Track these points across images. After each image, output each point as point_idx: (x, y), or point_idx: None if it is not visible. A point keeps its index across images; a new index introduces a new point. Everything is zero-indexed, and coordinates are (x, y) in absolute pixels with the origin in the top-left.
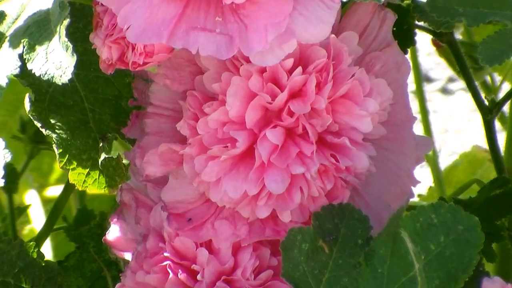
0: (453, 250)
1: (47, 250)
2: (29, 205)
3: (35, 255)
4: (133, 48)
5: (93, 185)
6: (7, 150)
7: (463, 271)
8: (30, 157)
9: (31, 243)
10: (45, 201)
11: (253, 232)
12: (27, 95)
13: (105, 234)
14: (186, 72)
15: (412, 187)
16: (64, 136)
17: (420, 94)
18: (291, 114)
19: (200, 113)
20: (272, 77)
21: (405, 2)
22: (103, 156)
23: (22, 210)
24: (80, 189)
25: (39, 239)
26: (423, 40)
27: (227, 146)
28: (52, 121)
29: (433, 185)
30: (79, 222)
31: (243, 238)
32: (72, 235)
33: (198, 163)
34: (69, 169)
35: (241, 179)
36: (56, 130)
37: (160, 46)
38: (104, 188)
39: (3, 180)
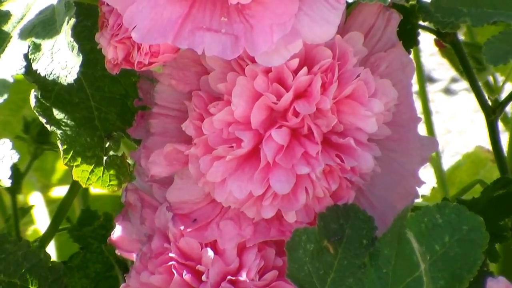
0: (457, 250)
1: (51, 251)
2: (33, 205)
3: (42, 256)
4: (139, 48)
5: (96, 182)
6: (14, 151)
7: (467, 271)
8: (34, 158)
9: (37, 244)
10: (49, 202)
11: (258, 233)
12: (32, 91)
13: (110, 235)
14: (191, 72)
15: (417, 188)
16: (69, 132)
17: (423, 94)
18: (296, 114)
19: (206, 113)
20: (278, 77)
21: (409, 2)
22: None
23: (25, 210)
24: (83, 186)
25: (44, 240)
26: (426, 40)
27: (233, 146)
28: (58, 118)
29: (436, 185)
30: (82, 223)
31: (248, 238)
32: (75, 236)
33: (204, 164)
34: (73, 165)
35: (247, 179)
36: (62, 127)
37: (166, 46)
38: (107, 186)
39: (10, 181)
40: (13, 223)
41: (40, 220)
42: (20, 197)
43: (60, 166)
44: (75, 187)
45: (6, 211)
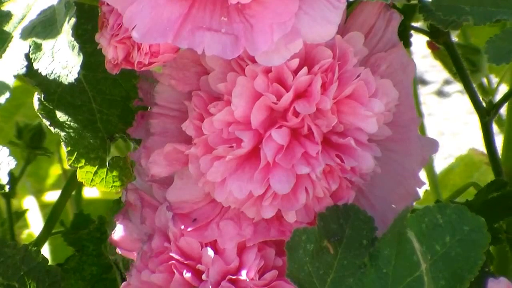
0: (458, 251)
1: (45, 254)
2: (27, 209)
3: (39, 260)
4: (139, 48)
5: (100, 184)
6: (11, 157)
7: (468, 271)
8: (27, 163)
9: (35, 248)
10: (43, 206)
11: (258, 232)
12: (35, 94)
13: (109, 235)
14: (191, 72)
15: (417, 188)
16: (72, 134)
17: (415, 97)
18: (296, 114)
19: (206, 113)
20: (278, 77)
21: (405, 3)
22: (110, 155)
23: (20, 214)
24: (87, 186)
25: (38, 243)
26: (418, 42)
27: (233, 146)
28: (61, 120)
29: (428, 188)
30: (76, 226)
31: (248, 238)
32: (70, 239)
33: (204, 163)
34: (77, 167)
35: (247, 179)
36: (65, 129)
37: (166, 46)
38: (111, 187)
39: (8, 186)
40: (8, 227)
41: (34, 223)
42: (15, 201)
43: (53, 172)
44: (67, 191)
45: (1, 215)
